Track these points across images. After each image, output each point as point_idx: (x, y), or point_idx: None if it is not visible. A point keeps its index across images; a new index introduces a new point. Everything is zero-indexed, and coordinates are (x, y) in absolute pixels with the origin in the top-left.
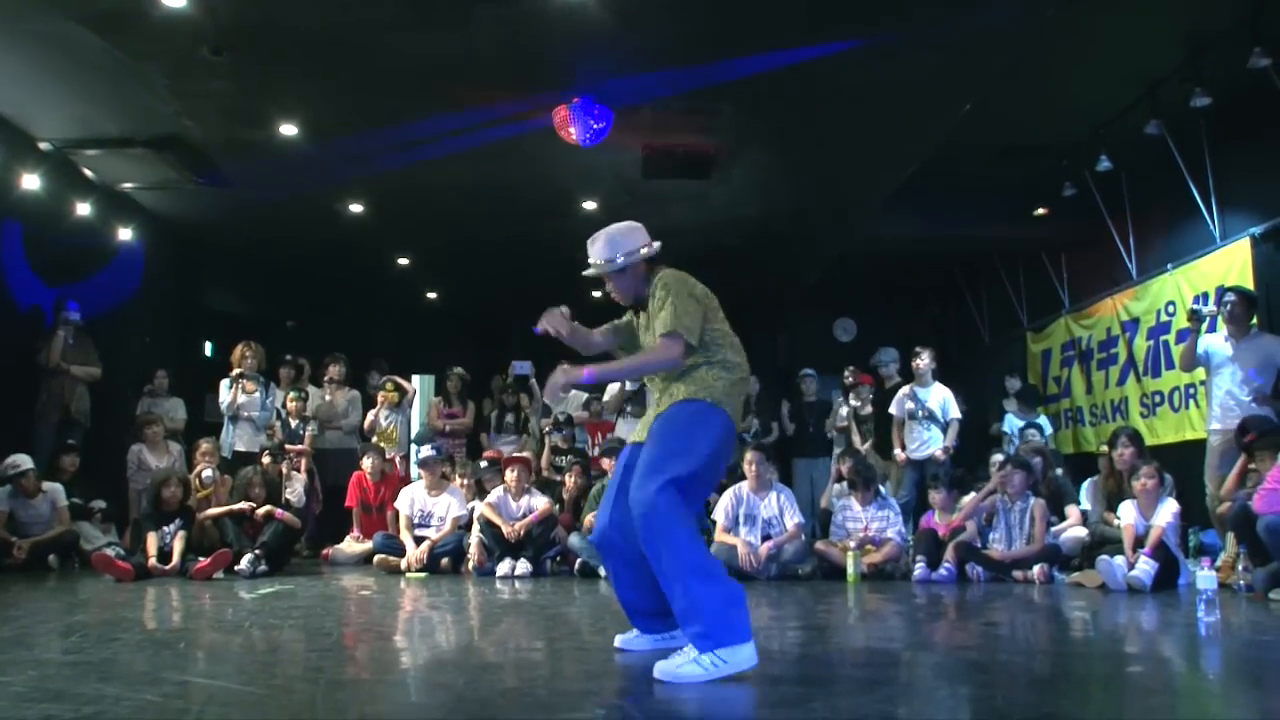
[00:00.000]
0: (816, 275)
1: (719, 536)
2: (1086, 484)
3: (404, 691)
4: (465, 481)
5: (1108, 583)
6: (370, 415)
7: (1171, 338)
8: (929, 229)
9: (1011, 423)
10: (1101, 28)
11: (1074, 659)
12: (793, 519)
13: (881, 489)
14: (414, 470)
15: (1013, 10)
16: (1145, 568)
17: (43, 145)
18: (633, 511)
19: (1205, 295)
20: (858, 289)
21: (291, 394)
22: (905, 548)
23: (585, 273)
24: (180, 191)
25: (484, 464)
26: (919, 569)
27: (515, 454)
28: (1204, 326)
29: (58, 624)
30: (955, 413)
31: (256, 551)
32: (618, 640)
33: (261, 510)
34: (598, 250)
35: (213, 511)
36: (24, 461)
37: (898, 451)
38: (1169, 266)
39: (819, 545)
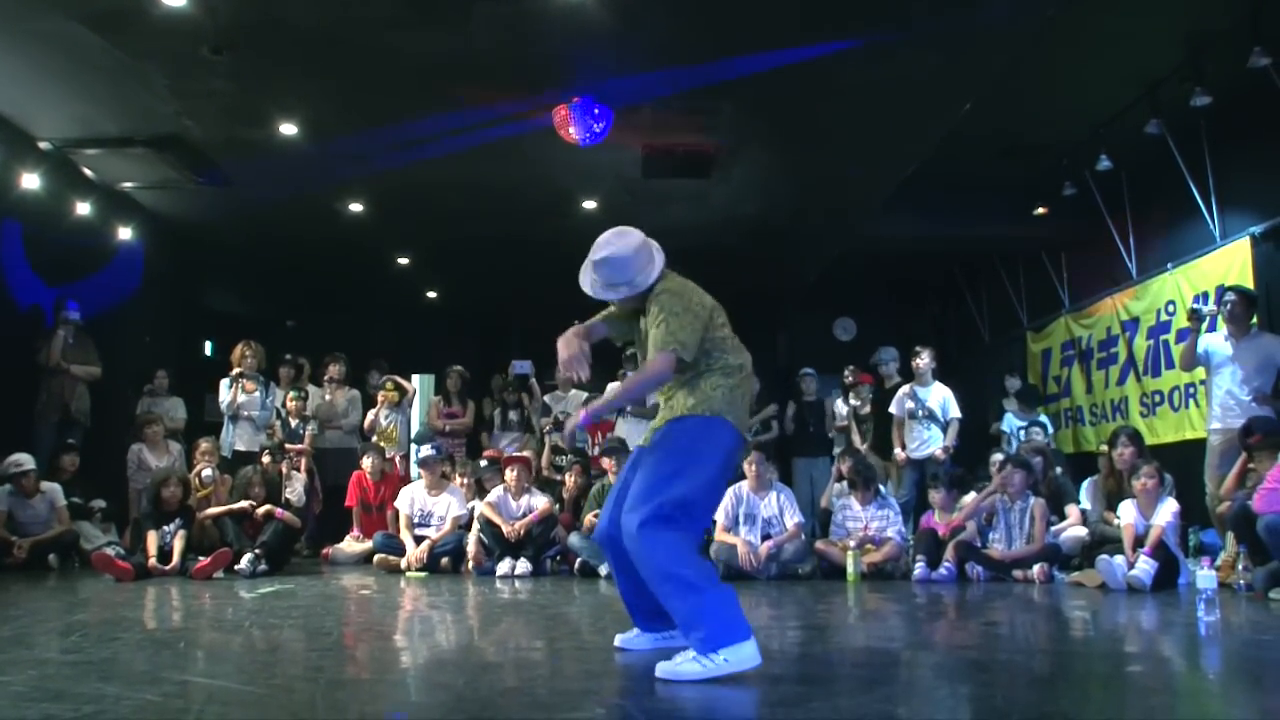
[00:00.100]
0: (816, 274)
1: (719, 536)
2: (1086, 483)
3: (404, 691)
4: (465, 481)
5: (1108, 582)
6: (370, 415)
7: (1171, 337)
8: (929, 229)
9: (1011, 422)
10: (1101, 28)
11: (1074, 658)
12: (793, 518)
13: (882, 488)
14: (414, 470)
15: (1013, 10)
16: (1145, 567)
17: (43, 145)
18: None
19: (1205, 295)
20: (858, 288)
21: (291, 393)
22: (905, 547)
23: (583, 285)
24: (180, 191)
25: (484, 463)
26: (919, 569)
27: (515, 453)
28: (1204, 326)
29: (58, 623)
30: (955, 412)
31: (256, 551)
32: (618, 640)
33: (261, 510)
34: (601, 273)
35: (213, 511)
36: (26, 460)
37: (898, 451)
38: (1169, 266)
39: (819, 545)
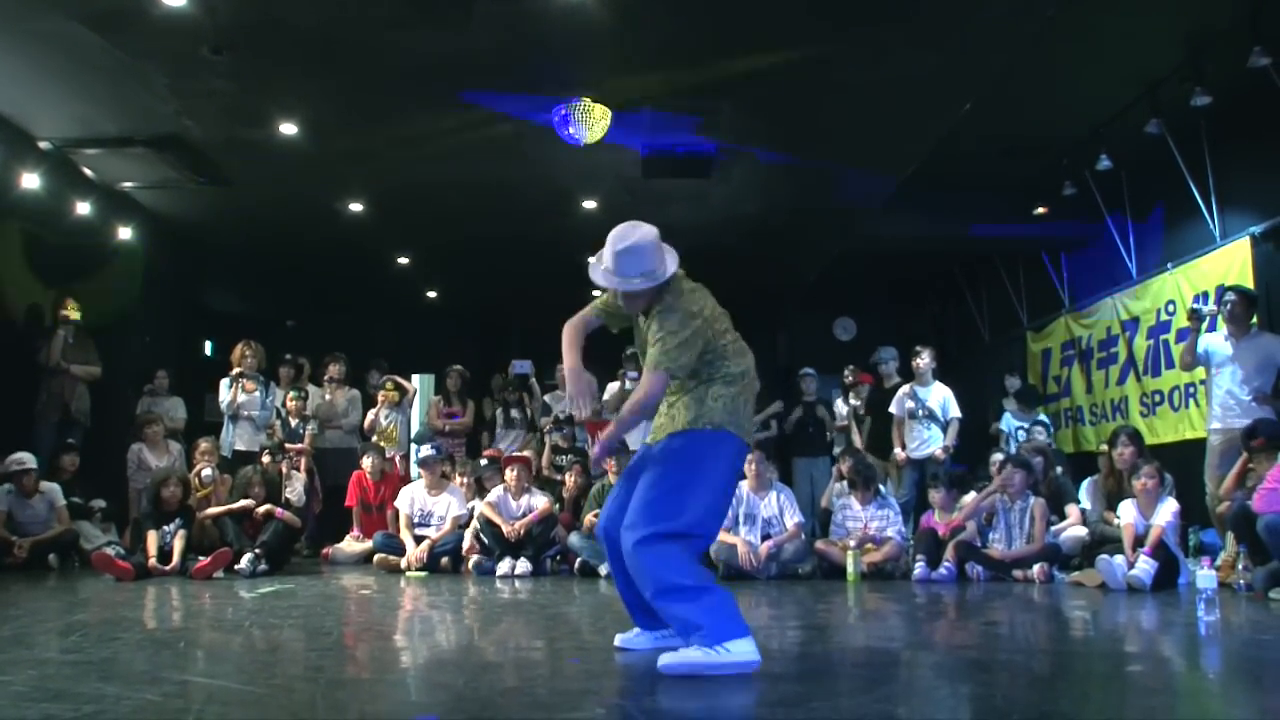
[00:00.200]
0: (816, 274)
1: (719, 536)
2: (1086, 483)
3: (404, 691)
4: (465, 480)
5: (1108, 582)
6: (370, 414)
7: (1171, 337)
8: (929, 228)
9: (1010, 422)
10: (1101, 27)
11: (1074, 658)
12: (792, 518)
13: (882, 488)
14: (414, 469)
15: (1013, 9)
16: (1145, 567)
17: (43, 145)
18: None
19: (1205, 294)
20: (858, 288)
21: (291, 393)
22: (905, 547)
23: (595, 278)
24: (180, 191)
25: (484, 462)
26: (919, 568)
27: (515, 453)
28: (1204, 326)
29: (58, 623)
30: (955, 412)
31: (256, 551)
32: (618, 639)
33: (261, 509)
34: (621, 264)
35: (213, 511)
36: (28, 459)
37: (898, 451)
38: (1169, 266)
39: (819, 544)
